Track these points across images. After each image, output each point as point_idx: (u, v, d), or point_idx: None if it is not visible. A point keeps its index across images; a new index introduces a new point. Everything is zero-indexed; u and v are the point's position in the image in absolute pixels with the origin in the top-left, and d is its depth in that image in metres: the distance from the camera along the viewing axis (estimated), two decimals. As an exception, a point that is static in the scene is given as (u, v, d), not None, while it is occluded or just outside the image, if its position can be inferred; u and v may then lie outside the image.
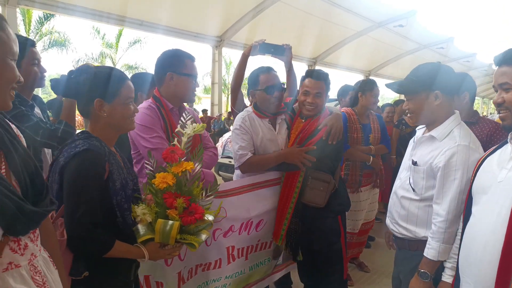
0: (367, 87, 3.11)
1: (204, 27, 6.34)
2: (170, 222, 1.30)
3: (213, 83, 7.35)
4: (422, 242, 1.69)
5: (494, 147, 1.56)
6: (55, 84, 1.63)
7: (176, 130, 1.50)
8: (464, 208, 1.56)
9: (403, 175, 1.86)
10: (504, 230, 1.22)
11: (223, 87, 7.61)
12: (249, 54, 2.51)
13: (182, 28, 6.05)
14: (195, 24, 6.13)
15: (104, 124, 1.33)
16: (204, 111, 11.36)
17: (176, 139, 1.46)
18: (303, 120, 2.29)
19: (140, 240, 1.32)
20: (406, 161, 1.87)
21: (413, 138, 1.91)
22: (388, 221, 1.90)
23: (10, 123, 1.00)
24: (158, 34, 6.17)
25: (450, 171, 1.61)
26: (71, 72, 1.31)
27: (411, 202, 1.76)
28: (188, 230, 1.37)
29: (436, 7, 6.60)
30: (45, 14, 13.17)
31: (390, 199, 1.91)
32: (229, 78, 16.77)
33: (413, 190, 1.73)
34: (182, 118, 1.53)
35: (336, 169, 2.35)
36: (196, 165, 1.45)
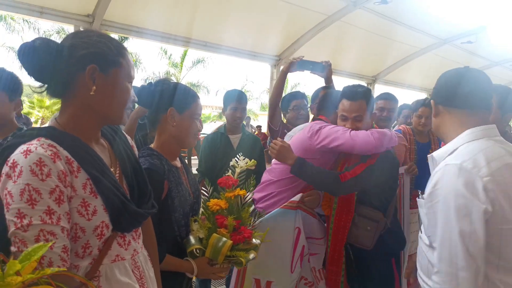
0: (414, 107, 3.02)
1: (263, 47, 6.53)
2: (224, 239, 1.38)
3: (270, 101, 7.48)
4: None
5: None
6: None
7: (231, 163, 1.65)
8: None
9: None
10: None
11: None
12: (288, 70, 2.54)
13: (243, 48, 6.29)
14: (255, 44, 6.34)
15: (169, 136, 1.46)
16: (258, 127, 11.49)
17: (230, 171, 1.63)
18: None
19: (190, 249, 1.40)
20: None
21: None
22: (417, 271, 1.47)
23: (126, 134, 1.20)
24: (220, 54, 6.46)
25: (436, 202, 1.18)
26: (150, 84, 1.45)
27: (426, 247, 1.31)
28: (237, 249, 1.44)
29: (507, 22, 6.16)
30: (120, 37, 14.45)
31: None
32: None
33: (421, 231, 1.36)
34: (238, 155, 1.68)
35: (390, 204, 2.03)
36: (248, 193, 1.56)
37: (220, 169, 2.68)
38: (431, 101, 1.36)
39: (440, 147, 3.04)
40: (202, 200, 1.57)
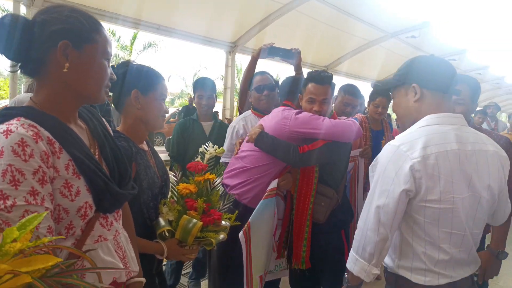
0: (371, 96, 3.19)
1: (219, 33, 6.45)
2: (194, 220, 1.41)
3: (225, 88, 7.45)
4: (390, 275, 1.41)
5: None
6: None
7: (200, 150, 1.71)
8: None
9: None
10: None
11: (234, 92, 7.73)
12: (258, 57, 2.60)
13: (197, 33, 6.17)
14: (209, 30, 6.24)
15: (135, 119, 1.43)
16: (215, 113, 11.53)
17: (200, 156, 1.68)
18: None
19: (159, 231, 1.41)
20: None
21: None
22: None
23: (101, 117, 1.15)
24: (174, 38, 6.28)
25: (373, 176, 1.34)
26: (112, 66, 1.40)
27: None
28: (207, 230, 1.47)
29: (449, 19, 6.62)
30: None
31: None
32: (239, 83, 16.89)
33: None
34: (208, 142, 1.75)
35: (341, 182, 2.21)
36: (217, 178, 1.61)
37: (193, 155, 2.68)
38: (414, 84, 1.36)
39: (391, 133, 3.25)
40: (171, 184, 1.57)
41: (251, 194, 2.10)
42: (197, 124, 2.91)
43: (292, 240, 2.18)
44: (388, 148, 1.30)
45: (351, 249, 1.39)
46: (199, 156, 1.67)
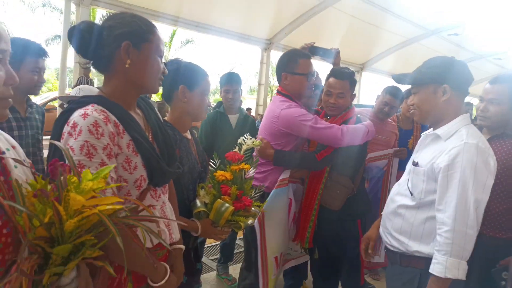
0: (406, 94, 3.15)
1: (255, 30, 6.54)
2: (226, 204, 1.55)
3: (259, 84, 7.54)
4: (415, 258, 1.50)
5: None
6: None
7: (239, 141, 1.86)
8: None
9: (403, 180, 1.67)
10: None
11: (268, 89, 7.81)
12: None
13: (234, 30, 6.28)
14: (246, 27, 6.34)
15: (181, 112, 1.58)
16: (248, 109, 11.63)
17: (237, 147, 1.83)
18: (327, 119, 2.25)
19: (196, 211, 1.54)
20: (408, 165, 1.68)
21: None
22: (381, 230, 1.72)
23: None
24: (211, 35, 6.43)
25: (454, 172, 1.38)
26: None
27: (407, 209, 1.54)
28: (237, 214, 1.61)
29: (491, 16, 6.33)
30: (108, 12, 14.12)
31: (386, 206, 1.71)
32: (273, 80, 16.94)
33: (411, 194, 1.54)
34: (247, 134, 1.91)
35: (357, 173, 2.29)
36: (251, 169, 1.75)
37: (220, 145, 2.80)
38: (446, 85, 1.47)
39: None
40: (209, 170, 1.72)
41: (267, 182, 2.24)
42: (223, 117, 3.01)
43: (300, 221, 2.32)
44: (468, 147, 1.39)
45: (444, 255, 1.37)
46: (237, 147, 1.81)
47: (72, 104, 1.11)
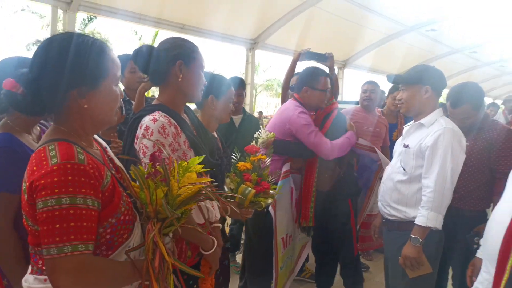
0: (391, 90, 3.34)
1: (239, 30, 6.61)
2: (249, 188, 1.85)
3: (245, 84, 7.60)
4: (411, 224, 1.88)
5: None
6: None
7: (255, 135, 2.27)
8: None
9: (394, 161, 2.09)
10: None
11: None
12: (297, 59, 3.00)
13: (218, 31, 6.34)
14: (230, 27, 6.41)
15: (210, 116, 2.04)
16: (260, 113, 11.78)
17: (254, 141, 2.24)
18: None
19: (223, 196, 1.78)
20: (397, 149, 2.11)
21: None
22: (380, 205, 2.12)
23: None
24: (195, 36, 6.45)
25: (437, 149, 1.82)
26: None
27: (402, 183, 1.97)
28: (258, 196, 1.89)
29: (468, 11, 6.58)
30: (89, 16, 13.97)
31: (381, 185, 2.13)
32: (257, 79, 17.05)
33: (404, 170, 1.96)
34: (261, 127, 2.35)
35: (343, 159, 2.68)
36: (267, 158, 2.05)
37: (225, 142, 2.98)
38: (428, 86, 1.94)
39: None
40: (232, 162, 2.00)
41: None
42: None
43: (301, 204, 2.72)
44: (447, 131, 1.84)
45: (426, 209, 1.79)
46: (254, 141, 2.21)
47: (141, 111, 1.45)
